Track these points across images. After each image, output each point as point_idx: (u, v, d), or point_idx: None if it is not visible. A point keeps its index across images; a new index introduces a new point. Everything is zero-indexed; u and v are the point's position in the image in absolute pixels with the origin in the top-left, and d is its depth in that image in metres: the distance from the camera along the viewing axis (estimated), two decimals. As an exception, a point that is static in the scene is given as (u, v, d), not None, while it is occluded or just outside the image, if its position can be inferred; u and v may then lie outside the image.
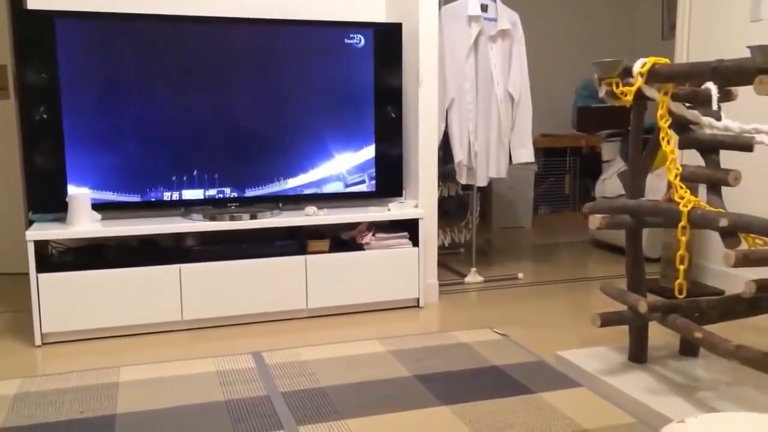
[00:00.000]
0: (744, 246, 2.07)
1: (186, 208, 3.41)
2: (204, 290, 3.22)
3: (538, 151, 5.51)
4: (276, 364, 2.79)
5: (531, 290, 3.96)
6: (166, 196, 3.35)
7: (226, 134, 3.40)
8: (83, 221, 3.14)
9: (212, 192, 3.42)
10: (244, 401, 2.43)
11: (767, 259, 1.98)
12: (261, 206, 3.47)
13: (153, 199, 3.34)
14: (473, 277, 4.12)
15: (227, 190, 3.44)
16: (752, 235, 2.10)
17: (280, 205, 3.54)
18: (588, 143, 6.19)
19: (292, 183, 3.54)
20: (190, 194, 3.39)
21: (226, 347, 3.01)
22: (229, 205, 3.45)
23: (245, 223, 3.30)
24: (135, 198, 3.31)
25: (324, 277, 3.39)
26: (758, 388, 2.33)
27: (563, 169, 6.52)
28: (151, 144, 3.29)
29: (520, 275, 4.25)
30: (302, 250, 3.40)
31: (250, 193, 3.47)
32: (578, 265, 4.63)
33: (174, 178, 3.35)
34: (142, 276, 3.14)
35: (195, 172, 3.38)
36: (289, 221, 3.38)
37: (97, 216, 3.22)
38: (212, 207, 3.42)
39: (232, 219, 3.29)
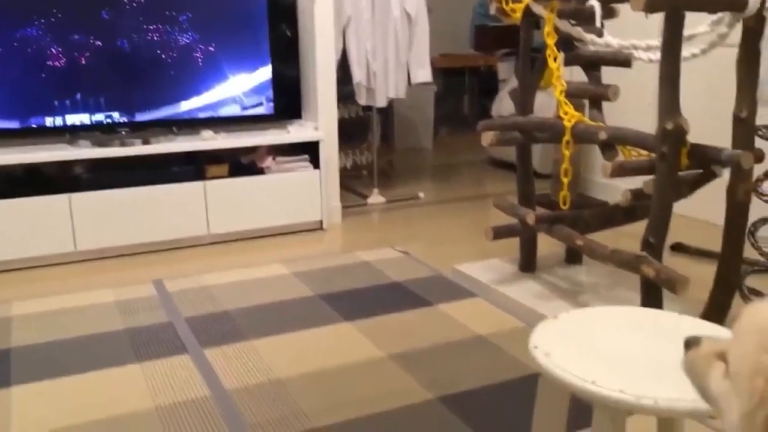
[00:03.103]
0: (621, 157, 2.20)
1: (72, 134, 3.23)
2: (98, 220, 3.11)
3: (437, 71, 5.55)
4: (178, 291, 2.77)
5: (431, 209, 4.07)
6: (49, 121, 3.16)
7: (111, 55, 3.20)
8: (-43, 151, 2.92)
9: (99, 117, 3.25)
10: (146, 329, 2.41)
11: (641, 168, 2.12)
12: (153, 131, 3.33)
13: (34, 126, 3.14)
14: (375, 198, 4.18)
15: (115, 115, 3.28)
16: (629, 147, 2.24)
17: (174, 129, 3.42)
18: (486, 62, 6.27)
19: (186, 106, 3.41)
20: (76, 119, 3.20)
21: (125, 277, 2.95)
22: (118, 130, 3.29)
23: (137, 149, 3.17)
24: (13, 124, 3.10)
25: (224, 202, 3.35)
26: (631, 288, 2.54)
27: (462, 89, 6.61)
28: (29, 66, 3.06)
29: (421, 195, 4.35)
30: (200, 176, 3.32)
31: (140, 117, 3.33)
32: (476, 183, 4.78)
33: (56, 103, 3.15)
34: (29, 207, 2.98)
35: (79, 96, 3.19)
36: (184, 146, 3.28)
37: (-27, 145, 3.01)
38: (101, 133, 3.26)
39: (123, 145, 3.15)
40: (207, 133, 3.36)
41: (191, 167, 3.33)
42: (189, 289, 2.77)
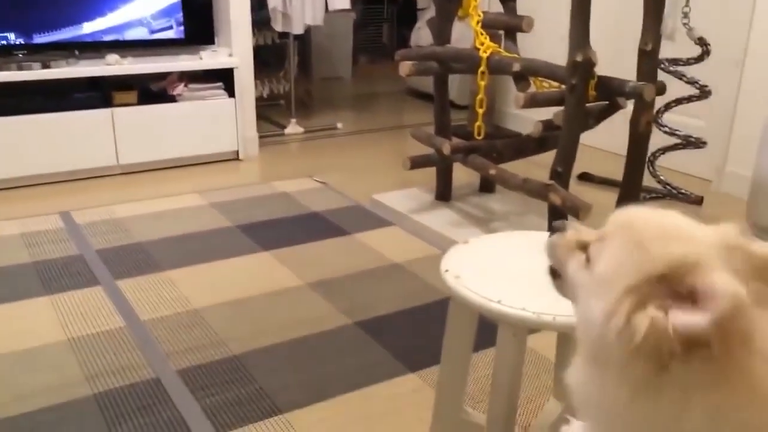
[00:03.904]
0: (533, 89, 2.26)
1: (-38, 57, 2.99)
2: (-4, 149, 2.93)
3: (356, -2, 5.42)
4: (87, 222, 2.68)
5: (350, 139, 4.06)
6: (-66, 42, 2.91)
7: (2, -30, 2.95)
8: None
9: (-8, 38, 3.01)
10: (55, 262, 2.34)
11: (552, 100, 2.19)
12: (53, 54, 3.12)
13: None
14: (293, 128, 4.13)
15: (11, 36, 3.04)
16: (540, 79, 2.30)
17: (76, 53, 3.22)
18: (405, -9, 6.18)
19: (89, 28, 3.20)
20: (-35, 40, 2.96)
21: (30, 209, 2.82)
22: (15, 53, 3.07)
23: (36, 73, 2.98)
24: None
25: (134, 130, 3.22)
26: (540, 215, 2.65)
27: (381, 17, 6.50)
28: None
29: (340, 125, 4.32)
30: (107, 103, 3.16)
31: (38, 39, 3.11)
32: (395, 113, 4.79)
33: (-59, 22, 2.89)
34: None
35: (-33, 15, 2.94)
36: (88, 71, 3.10)
37: None
38: (-5, 56, 3.03)
39: (20, 69, 2.95)
40: (112, 58, 3.18)
41: (97, 94, 3.17)
42: (99, 221, 2.69)
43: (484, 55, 2.30)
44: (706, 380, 0.52)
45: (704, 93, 2.26)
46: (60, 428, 1.53)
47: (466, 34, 4.37)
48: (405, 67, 2.55)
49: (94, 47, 3.25)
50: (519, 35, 2.65)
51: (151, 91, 3.39)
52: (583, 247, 0.64)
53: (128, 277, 2.24)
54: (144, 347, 1.84)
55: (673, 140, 2.37)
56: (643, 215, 0.59)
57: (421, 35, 5.03)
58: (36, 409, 1.58)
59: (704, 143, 2.31)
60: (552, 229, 0.72)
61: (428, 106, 4.93)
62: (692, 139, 2.28)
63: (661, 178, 2.40)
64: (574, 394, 0.62)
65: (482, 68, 2.31)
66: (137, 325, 1.95)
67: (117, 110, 3.16)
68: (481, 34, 2.32)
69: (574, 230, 0.69)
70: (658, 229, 0.55)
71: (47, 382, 1.68)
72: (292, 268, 2.32)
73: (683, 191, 2.39)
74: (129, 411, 1.58)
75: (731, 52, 3.02)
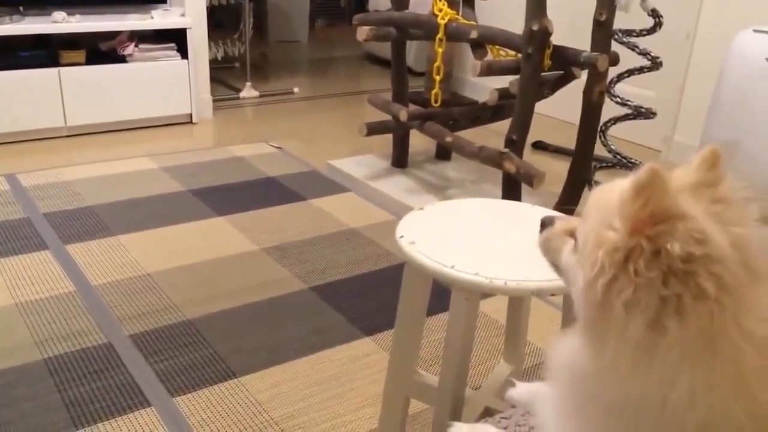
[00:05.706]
0: (490, 57, 2.27)
1: None
2: (-65, 108, 2.81)
3: (313, -41, 5.31)
4: (34, 185, 2.60)
5: (306, 104, 4.02)
6: None
7: None
8: None
9: (-72, -10, 2.86)
10: (1, 225, 2.27)
11: (508, 68, 2.20)
12: (-4, 10, 2.99)
13: None
14: (248, 91, 4.06)
15: (-52, -11, 2.90)
16: (497, 47, 2.30)
17: (21, 9, 3.08)
18: (364, -46, 6.07)
19: (33, -18, 3.07)
20: None
21: (-29, 171, 2.72)
22: (-47, 7, 2.93)
23: (-22, 30, 2.85)
24: None
25: (83, 91, 3.11)
26: (495, 183, 2.69)
27: (340, -20, 6.38)
28: None
29: (296, 89, 4.26)
30: (54, 62, 3.05)
31: (-21, -7, 2.97)
32: (352, 79, 4.74)
33: None
34: None
35: None
36: (34, 28, 2.98)
37: None
38: (-69, 9, 2.88)
39: (-40, 24, 2.82)
40: (59, 15, 3.06)
41: (43, 52, 3.05)
42: (46, 184, 2.61)
43: (442, 22, 2.29)
44: (699, 347, 0.52)
45: (655, 64, 2.30)
46: (9, 392, 1.50)
47: (424, -1, 4.33)
48: (362, 32, 2.52)
49: (40, 3, 3.11)
50: (477, 3, 2.66)
51: (100, 50, 3.28)
52: (573, 234, 0.65)
53: (78, 241, 2.19)
54: (95, 312, 1.82)
55: (625, 110, 2.41)
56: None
57: (379, 0, 4.97)
58: (-17, 374, 1.56)
59: (654, 114, 2.36)
60: (541, 225, 0.72)
61: (386, 72, 4.89)
62: (643, 110, 2.32)
63: (612, 147, 2.45)
64: (561, 366, 0.62)
65: (440, 35, 2.30)
66: (88, 290, 1.92)
67: (64, 70, 3.05)
68: (440, 0, 2.31)
69: (563, 220, 0.70)
70: (621, 192, 0.56)
71: (-6, 348, 1.65)
72: (247, 233, 2.31)
73: (633, 160, 2.44)
74: (80, 375, 1.57)
75: (682, 24, 3.08)
